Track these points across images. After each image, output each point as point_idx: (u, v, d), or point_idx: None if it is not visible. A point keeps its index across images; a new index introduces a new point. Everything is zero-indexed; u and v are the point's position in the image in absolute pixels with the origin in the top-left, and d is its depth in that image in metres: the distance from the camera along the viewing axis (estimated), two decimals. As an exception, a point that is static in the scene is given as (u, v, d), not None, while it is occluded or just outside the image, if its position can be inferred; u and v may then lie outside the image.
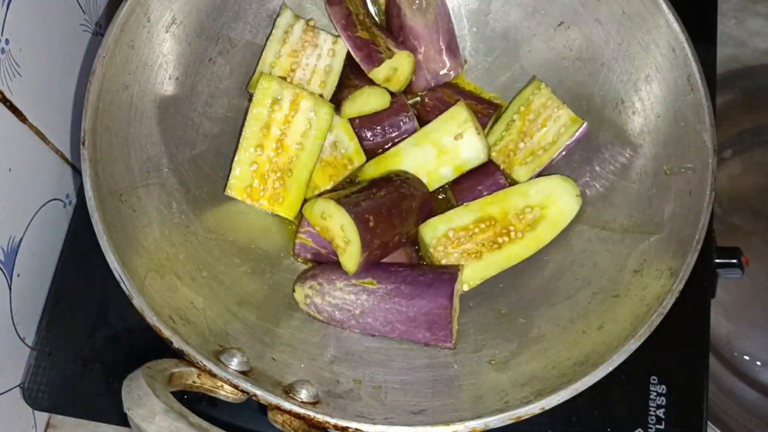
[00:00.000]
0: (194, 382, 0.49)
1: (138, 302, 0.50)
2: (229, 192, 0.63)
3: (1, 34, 0.59)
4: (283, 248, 0.66)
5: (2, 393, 0.67)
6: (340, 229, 0.58)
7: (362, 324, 0.59)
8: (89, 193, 0.53)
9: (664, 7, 0.60)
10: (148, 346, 0.67)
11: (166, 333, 0.49)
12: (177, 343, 0.49)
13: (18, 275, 0.67)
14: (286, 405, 0.48)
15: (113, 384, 0.67)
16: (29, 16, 0.62)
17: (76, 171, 0.76)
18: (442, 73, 0.71)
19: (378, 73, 0.66)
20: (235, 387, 0.49)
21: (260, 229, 0.66)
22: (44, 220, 0.70)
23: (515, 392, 0.52)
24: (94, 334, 0.68)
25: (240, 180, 0.63)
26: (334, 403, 0.51)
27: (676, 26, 0.60)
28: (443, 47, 0.70)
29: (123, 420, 0.66)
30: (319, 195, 0.66)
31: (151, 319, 0.50)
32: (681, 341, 0.66)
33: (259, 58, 0.68)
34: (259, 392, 0.48)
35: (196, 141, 0.64)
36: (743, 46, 0.94)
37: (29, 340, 0.70)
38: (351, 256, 0.58)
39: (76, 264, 0.71)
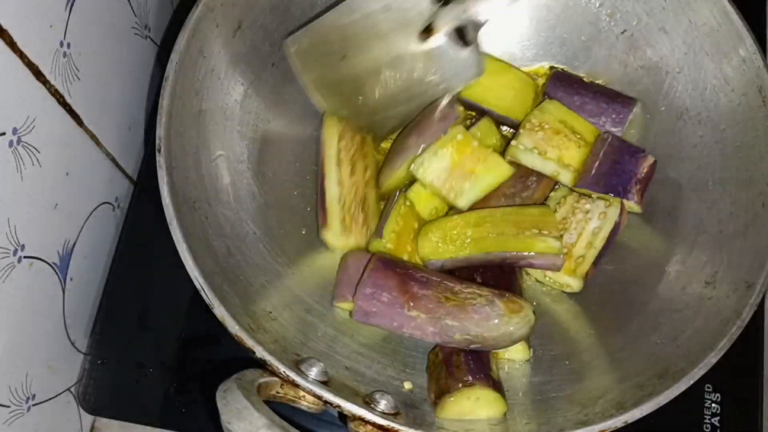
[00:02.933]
0: (277, 392, 0.49)
1: (219, 311, 0.49)
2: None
3: (64, 38, 0.58)
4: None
5: (54, 396, 0.66)
6: None
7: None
8: (166, 200, 0.52)
9: (735, 16, 0.60)
10: (197, 353, 0.67)
11: (249, 342, 0.48)
12: (260, 352, 0.48)
13: (71, 279, 0.67)
14: (371, 416, 0.48)
15: (168, 389, 0.67)
16: (88, 19, 0.62)
17: (125, 175, 0.75)
18: None
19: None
20: (318, 397, 0.48)
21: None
22: (95, 224, 0.70)
23: (591, 405, 0.52)
24: (144, 339, 0.68)
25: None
26: (412, 413, 0.51)
27: (747, 37, 0.59)
28: None
29: (174, 424, 0.66)
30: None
31: (233, 328, 0.49)
32: (735, 349, 0.66)
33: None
34: (342, 403, 0.48)
35: (264, 147, 0.64)
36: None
37: (79, 344, 0.70)
38: None
39: (127, 268, 0.71)
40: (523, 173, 0.66)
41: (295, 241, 0.63)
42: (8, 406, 0.58)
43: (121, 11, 0.69)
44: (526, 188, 0.65)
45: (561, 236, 0.62)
